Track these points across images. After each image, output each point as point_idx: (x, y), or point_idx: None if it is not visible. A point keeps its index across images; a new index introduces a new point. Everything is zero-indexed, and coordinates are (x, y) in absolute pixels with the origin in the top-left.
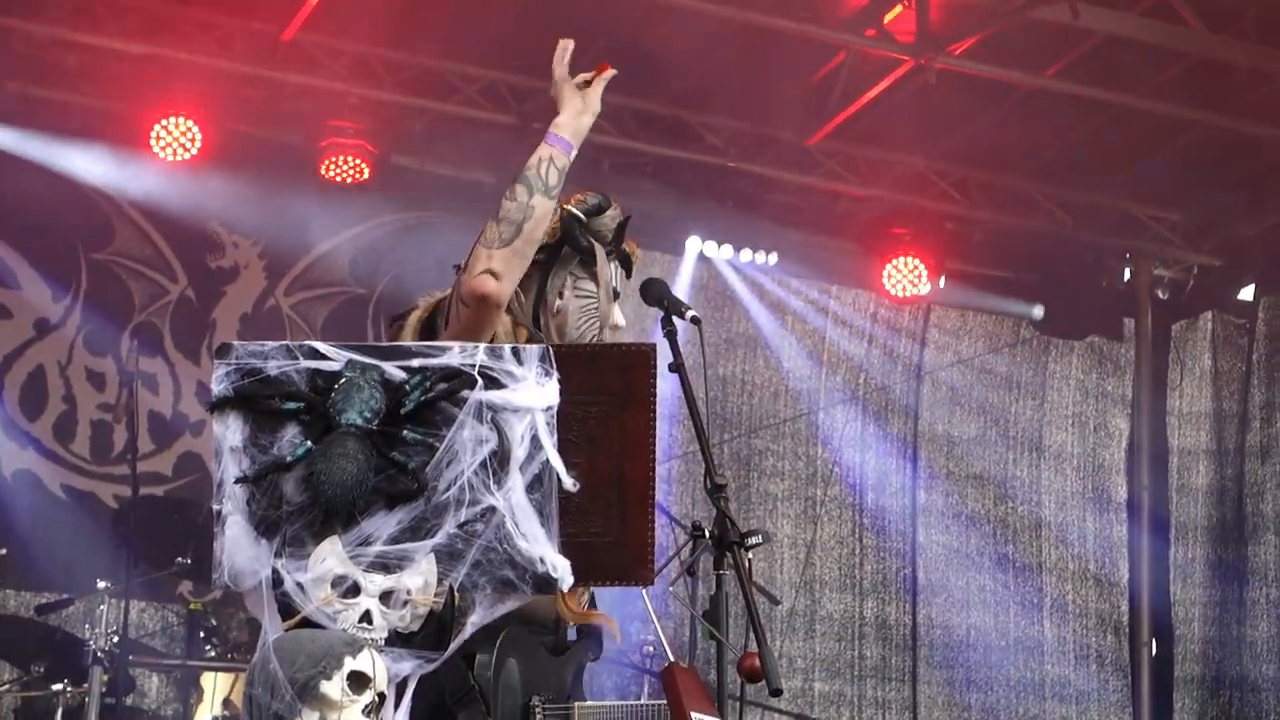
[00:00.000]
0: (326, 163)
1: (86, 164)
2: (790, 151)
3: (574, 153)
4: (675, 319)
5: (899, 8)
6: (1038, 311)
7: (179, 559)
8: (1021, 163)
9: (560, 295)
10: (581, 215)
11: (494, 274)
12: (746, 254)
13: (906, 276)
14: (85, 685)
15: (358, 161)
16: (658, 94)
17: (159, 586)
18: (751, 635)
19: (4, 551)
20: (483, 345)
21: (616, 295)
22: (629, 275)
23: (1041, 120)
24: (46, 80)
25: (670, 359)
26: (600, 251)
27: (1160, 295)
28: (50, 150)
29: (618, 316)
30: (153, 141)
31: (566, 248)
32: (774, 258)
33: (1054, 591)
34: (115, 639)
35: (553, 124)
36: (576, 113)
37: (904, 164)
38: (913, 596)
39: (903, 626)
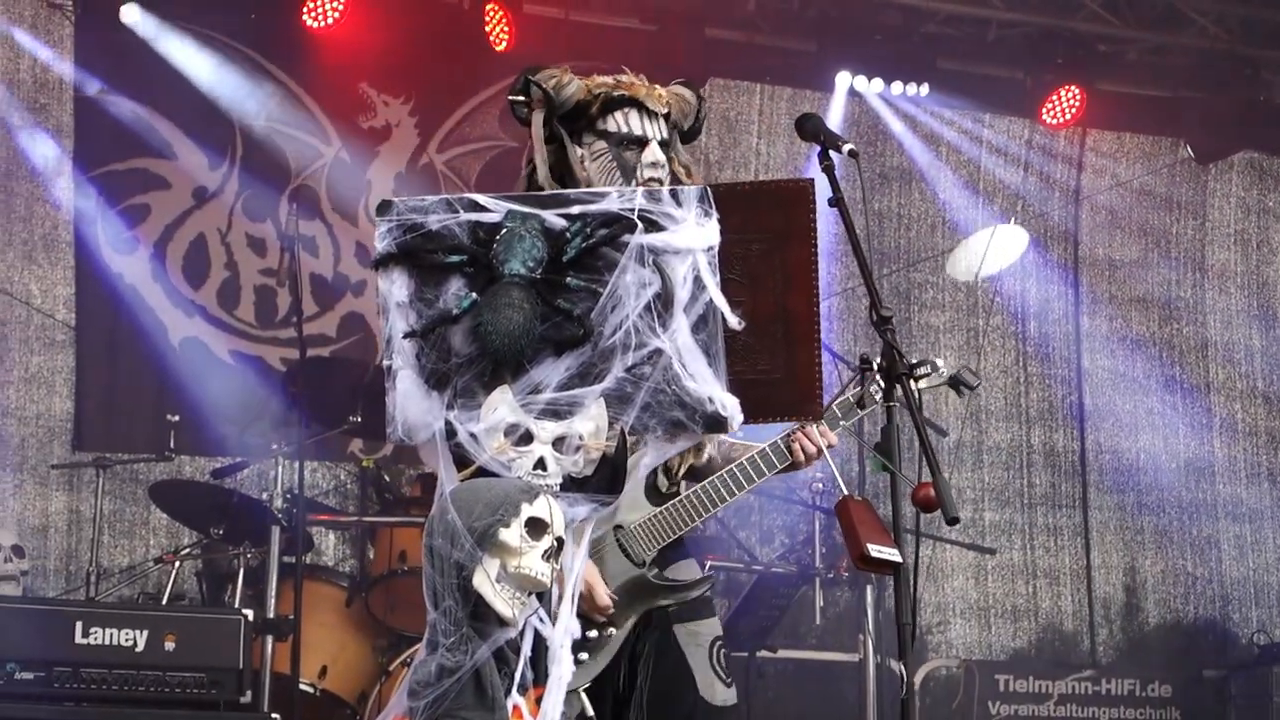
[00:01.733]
0: (482, 19)
1: (235, 32)
2: None
3: None
4: (832, 153)
5: None
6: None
7: (350, 418)
8: None
9: (585, 169)
10: (550, 93)
11: None
12: (897, 87)
13: (1061, 101)
14: (265, 546)
15: (501, 15)
16: None
17: (330, 446)
18: (924, 466)
19: (177, 419)
20: (640, 189)
21: (641, 141)
22: (657, 115)
23: None
24: None
25: (829, 194)
26: (596, 105)
27: None
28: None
29: (650, 156)
30: (301, 5)
31: (560, 128)
32: (925, 89)
33: (1223, 411)
34: (291, 499)
35: None
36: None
37: None
38: (1080, 422)
39: (1071, 453)
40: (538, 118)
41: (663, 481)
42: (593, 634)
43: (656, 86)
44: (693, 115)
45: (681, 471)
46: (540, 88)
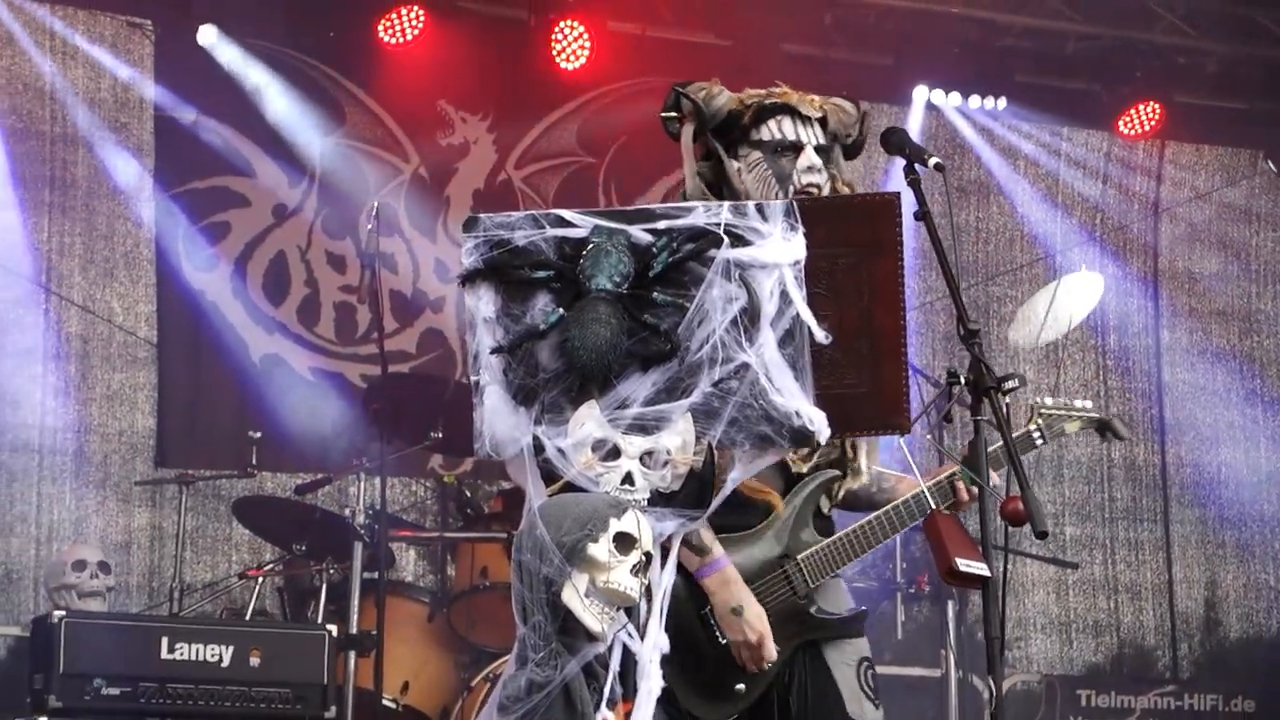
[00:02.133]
0: (551, 37)
1: (313, 50)
2: None
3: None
4: (918, 166)
5: None
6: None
7: (431, 433)
8: None
9: (742, 181)
10: (701, 105)
11: None
12: (975, 100)
13: (1139, 115)
14: (346, 562)
15: (580, 30)
16: None
17: (410, 461)
18: (1013, 479)
19: (259, 435)
20: (727, 203)
21: (796, 146)
22: (813, 119)
23: None
24: None
25: (914, 207)
26: (749, 115)
27: None
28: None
29: (805, 161)
30: (378, 23)
31: (715, 143)
32: (1003, 102)
33: None
34: (373, 515)
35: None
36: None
37: None
38: (1161, 436)
39: (1152, 466)
40: (687, 131)
41: (824, 503)
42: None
43: (811, 95)
44: (855, 128)
45: (840, 495)
46: (690, 99)
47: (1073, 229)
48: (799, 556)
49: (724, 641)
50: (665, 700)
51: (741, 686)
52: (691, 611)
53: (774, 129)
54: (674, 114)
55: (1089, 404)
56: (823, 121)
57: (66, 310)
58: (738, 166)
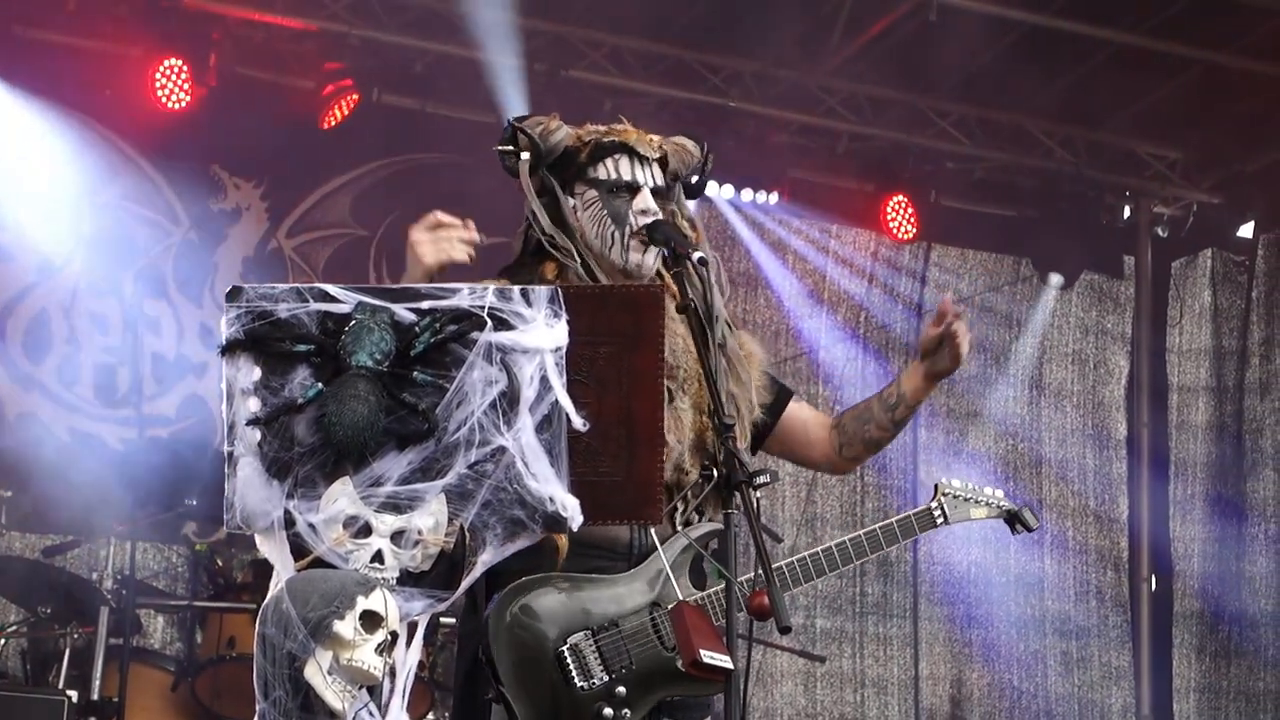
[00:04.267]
0: (328, 105)
1: (87, 108)
2: (791, 91)
3: None
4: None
5: None
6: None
7: (185, 500)
8: (1023, 100)
9: (577, 219)
10: (536, 140)
11: None
12: (748, 193)
13: (906, 215)
14: (92, 627)
15: (357, 102)
16: (659, 34)
17: (163, 528)
18: (759, 573)
19: (9, 494)
20: (492, 287)
21: (632, 188)
22: (652, 159)
23: (1042, 57)
24: (47, 23)
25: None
26: (586, 152)
27: (1160, 233)
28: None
29: (641, 203)
30: (156, 85)
31: (549, 177)
32: (775, 197)
33: (1054, 528)
34: (121, 580)
35: None
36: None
37: (905, 102)
38: None
39: (904, 563)
40: (524, 166)
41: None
42: (608, 712)
43: (651, 134)
44: (697, 168)
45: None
46: (526, 134)
47: (837, 325)
48: (669, 606)
49: (580, 686)
50: None
51: None
52: (549, 652)
53: (610, 168)
54: (509, 149)
55: (1000, 493)
56: (662, 162)
57: None
58: (573, 204)
